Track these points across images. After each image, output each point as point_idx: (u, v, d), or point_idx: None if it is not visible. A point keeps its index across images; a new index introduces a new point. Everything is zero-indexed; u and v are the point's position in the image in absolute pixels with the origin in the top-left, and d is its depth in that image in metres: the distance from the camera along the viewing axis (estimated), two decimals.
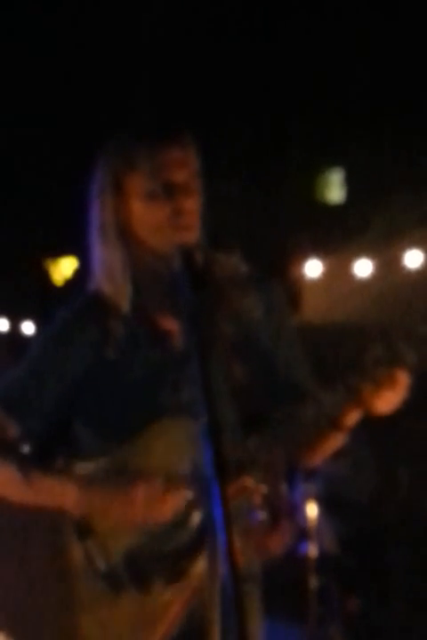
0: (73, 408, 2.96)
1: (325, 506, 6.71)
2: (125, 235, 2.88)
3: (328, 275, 8.59)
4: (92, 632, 2.82)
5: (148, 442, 2.83)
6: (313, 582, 5.93)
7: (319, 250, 8.57)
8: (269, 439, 2.78)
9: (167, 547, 2.77)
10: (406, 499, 7.30)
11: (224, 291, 2.89)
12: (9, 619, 2.89)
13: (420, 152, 7.82)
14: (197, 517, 2.77)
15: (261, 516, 2.86)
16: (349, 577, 6.84)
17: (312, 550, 6.00)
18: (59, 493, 2.85)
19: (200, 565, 2.73)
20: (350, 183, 8.89)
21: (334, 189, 9.09)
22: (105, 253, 2.88)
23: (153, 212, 2.82)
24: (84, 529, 2.84)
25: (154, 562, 2.74)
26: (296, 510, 6.30)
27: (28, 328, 9.80)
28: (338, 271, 8.50)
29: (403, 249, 8.00)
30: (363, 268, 8.11)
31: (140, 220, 2.85)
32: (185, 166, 2.83)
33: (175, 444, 2.80)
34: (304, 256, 8.55)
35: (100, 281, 2.90)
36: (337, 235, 8.12)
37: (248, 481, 2.77)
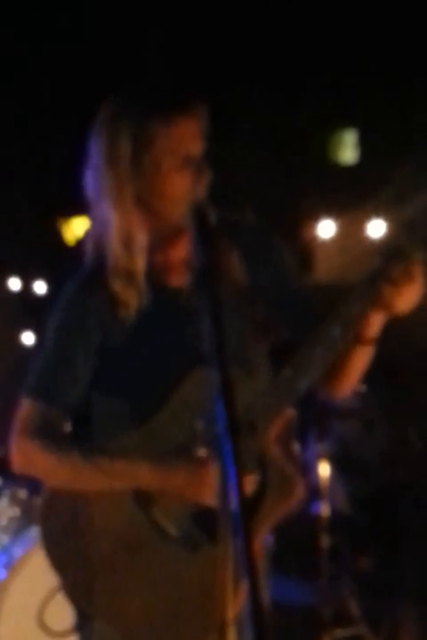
0: (95, 379, 2.99)
1: (337, 465, 6.75)
2: (140, 203, 2.87)
3: (341, 235, 8.57)
4: (173, 597, 2.86)
5: (178, 403, 2.87)
6: (325, 541, 5.97)
7: (332, 210, 8.55)
8: (304, 364, 2.78)
9: None
10: (418, 458, 7.32)
11: (231, 242, 2.93)
12: (97, 604, 2.90)
13: None
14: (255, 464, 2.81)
15: None
16: (360, 536, 6.88)
17: (324, 509, 6.04)
18: (130, 475, 2.87)
19: (267, 507, 2.78)
20: (364, 144, 8.84)
21: (348, 150, 9.05)
22: (122, 222, 2.87)
23: (172, 185, 2.83)
24: (146, 499, 2.86)
25: None
26: (308, 470, 6.35)
27: (40, 287, 9.84)
28: (351, 232, 8.48)
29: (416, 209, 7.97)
30: (376, 228, 8.09)
31: (158, 192, 2.86)
32: (200, 137, 2.85)
33: (201, 399, 2.80)
34: (317, 217, 8.54)
35: (115, 248, 2.89)
36: (350, 195, 8.09)
37: None
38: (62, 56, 7.97)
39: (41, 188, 8.70)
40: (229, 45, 7.95)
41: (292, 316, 2.98)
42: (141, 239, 2.88)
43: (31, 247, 9.20)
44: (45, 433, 2.93)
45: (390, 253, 2.72)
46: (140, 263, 2.89)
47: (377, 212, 8.01)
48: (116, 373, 2.95)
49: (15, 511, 5.62)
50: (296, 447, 2.97)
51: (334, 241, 8.56)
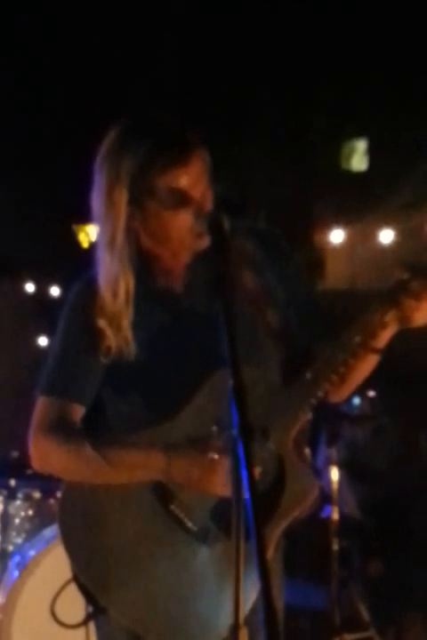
0: (107, 379, 3.01)
1: (347, 470, 6.79)
2: (133, 239, 2.88)
3: (352, 242, 8.60)
4: (189, 591, 2.88)
5: (193, 407, 2.89)
6: (335, 545, 5.98)
7: (343, 217, 8.58)
8: (325, 369, 2.83)
9: None
10: None
11: (245, 248, 2.96)
12: (109, 592, 2.92)
13: None
14: (273, 465, 2.84)
15: None
16: (370, 540, 6.91)
17: (335, 514, 6.05)
18: (144, 465, 2.87)
19: (283, 506, 2.82)
20: (374, 152, 8.90)
21: (358, 158, 9.10)
22: (111, 267, 2.87)
23: (175, 228, 2.83)
24: (165, 493, 2.89)
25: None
26: (319, 475, 6.38)
27: (55, 291, 9.89)
28: (361, 238, 8.51)
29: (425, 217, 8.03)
30: (386, 235, 8.12)
31: (156, 232, 2.87)
32: (201, 180, 2.82)
33: (215, 400, 2.83)
34: (329, 224, 8.57)
35: (104, 288, 2.90)
36: (361, 202, 8.14)
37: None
38: (78, 62, 8.02)
39: (56, 194, 8.77)
40: (246, 58, 8.00)
41: (304, 322, 3.01)
42: (128, 287, 2.87)
43: (47, 252, 9.27)
44: (60, 428, 2.95)
45: (414, 268, 2.77)
46: (127, 312, 2.90)
47: (387, 221, 8.05)
48: (127, 376, 2.96)
49: (29, 512, 5.66)
50: (308, 453, 3.01)
51: (344, 247, 8.59)
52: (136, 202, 2.82)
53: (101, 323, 2.89)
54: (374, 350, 2.89)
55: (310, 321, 3.01)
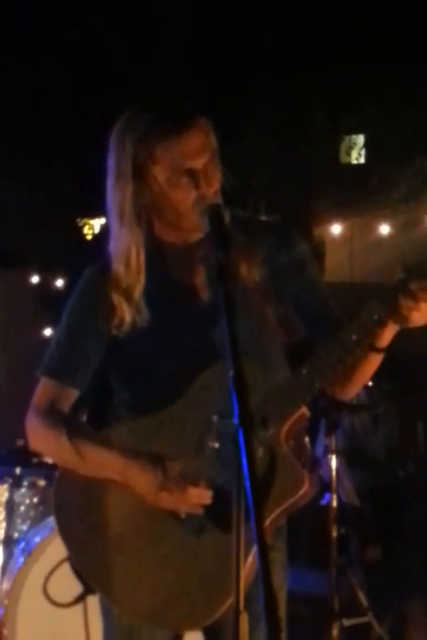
0: (109, 365, 3.08)
1: (345, 458, 6.85)
2: (144, 218, 2.94)
3: (350, 234, 8.62)
4: (178, 574, 2.90)
5: (194, 396, 2.93)
6: (334, 531, 6.02)
7: (342, 210, 8.60)
8: (321, 365, 2.84)
9: None
10: (425, 453, 7.38)
11: (247, 241, 2.97)
12: (99, 573, 2.97)
13: None
14: (265, 455, 2.85)
15: None
16: (368, 527, 6.95)
17: (334, 501, 6.09)
18: (107, 466, 2.92)
19: (271, 499, 2.81)
20: (371, 147, 8.95)
21: (357, 152, 9.16)
22: (122, 237, 2.94)
23: (177, 198, 2.88)
24: None
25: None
26: (319, 463, 6.45)
27: (60, 284, 9.94)
28: (360, 231, 8.55)
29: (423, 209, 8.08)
30: (384, 228, 8.15)
31: (163, 206, 2.92)
32: (205, 151, 2.87)
33: (215, 391, 2.87)
34: (327, 217, 8.61)
35: (117, 264, 2.96)
36: (359, 195, 8.18)
37: None
38: (82, 59, 8.09)
39: (61, 188, 8.83)
40: (246, 54, 8.06)
41: (309, 314, 3.03)
42: (138, 256, 2.94)
43: (51, 245, 9.34)
44: (49, 411, 3.02)
45: (412, 268, 2.76)
46: (139, 281, 2.96)
47: (385, 214, 8.08)
48: (130, 362, 3.02)
49: (34, 499, 5.74)
50: (307, 442, 3.01)
51: (343, 240, 8.60)
52: (141, 171, 2.88)
53: (116, 298, 2.95)
54: (375, 349, 2.89)
55: (316, 316, 3.03)
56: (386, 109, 8.30)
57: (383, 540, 6.89)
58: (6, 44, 8.56)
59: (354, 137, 9.38)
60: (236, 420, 2.20)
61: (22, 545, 5.28)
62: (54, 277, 9.84)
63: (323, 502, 6.31)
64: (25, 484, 5.75)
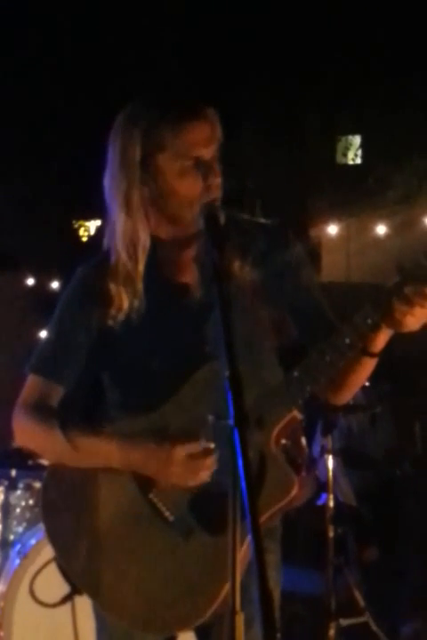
0: (101, 363, 3.07)
1: (342, 458, 6.85)
2: (149, 207, 2.93)
3: (347, 235, 8.62)
4: (166, 577, 2.89)
5: (188, 395, 2.92)
6: (331, 531, 6.02)
7: (338, 211, 8.60)
8: (313, 369, 2.81)
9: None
10: (421, 453, 7.39)
11: (242, 242, 2.96)
12: (85, 575, 2.96)
13: None
14: (254, 458, 2.80)
15: None
16: (365, 526, 6.97)
17: (330, 501, 6.09)
18: (103, 454, 2.92)
19: (262, 502, 2.71)
20: (368, 147, 8.96)
21: (353, 153, 9.18)
22: (128, 225, 2.92)
23: (183, 188, 2.87)
24: (145, 481, 2.91)
25: (221, 503, 2.38)
26: (316, 464, 6.45)
27: (55, 286, 9.94)
28: (356, 231, 8.55)
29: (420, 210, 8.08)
30: (380, 228, 8.15)
31: (166, 198, 2.90)
32: (213, 141, 2.88)
33: (207, 391, 2.86)
34: (324, 217, 8.60)
35: (119, 251, 2.96)
36: (355, 196, 8.18)
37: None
38: (80, 61, 8.11)
39: (57, 190, 8.84)
40: (243, 54, 8.08)
41: (302, 317, 3.00)
42: (144, 244, 2.94)
43: (47, 247, 9.35)
44: (38, 408, 3.01)
45: (406, 272, 2.71)
46: (141, 268, 2.95)
47: (381, 215, 8.08)
48: (122, 360, 3.02)
49: (30, 501, 5.72)
50: (304, 442, 3.01)
51: (339, 240, 8.60)
52: (148, 160, 2.88)
53: (113, 288, 2.95)
54: (368, 353, 2.86)
55: (310, 318, 3.00)
56: (383, 110, 8.31)
57: (380, 540, 6.90)
58: (4, 44, 8.57)
59: (350, 137, 9.41)
60: (231, 421, 2.20)
61: (18, 547, 5.27)
62: (50, 279, 9.85)
63: (320, 502, 6.32)
64: (20, 486, 5.72)
